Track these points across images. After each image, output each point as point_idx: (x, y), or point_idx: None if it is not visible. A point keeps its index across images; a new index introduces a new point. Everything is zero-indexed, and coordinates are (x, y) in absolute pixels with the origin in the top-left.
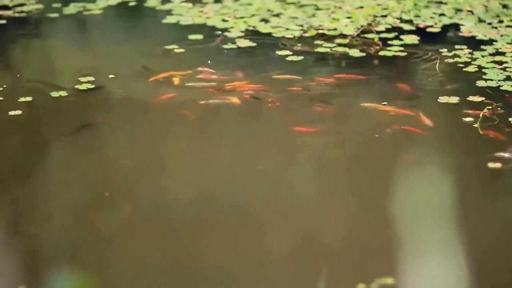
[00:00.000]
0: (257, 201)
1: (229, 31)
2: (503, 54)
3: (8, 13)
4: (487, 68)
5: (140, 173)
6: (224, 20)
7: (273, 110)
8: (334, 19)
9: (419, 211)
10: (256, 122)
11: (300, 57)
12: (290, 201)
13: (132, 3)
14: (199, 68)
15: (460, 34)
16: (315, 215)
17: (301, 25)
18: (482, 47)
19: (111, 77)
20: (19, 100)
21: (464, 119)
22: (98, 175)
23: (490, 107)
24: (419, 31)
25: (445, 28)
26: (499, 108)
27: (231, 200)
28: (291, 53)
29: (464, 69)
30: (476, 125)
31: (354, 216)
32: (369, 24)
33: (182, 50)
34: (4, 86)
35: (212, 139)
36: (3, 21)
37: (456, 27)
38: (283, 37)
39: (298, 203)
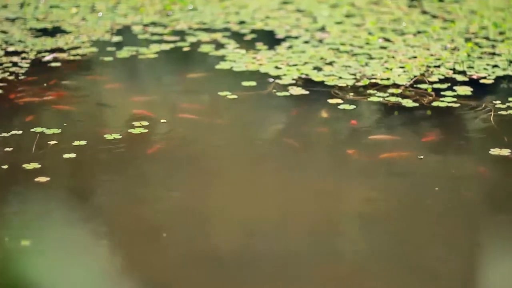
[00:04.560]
0: None
1: (282, 79)
2: None
3: (63, 55)
4: None
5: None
6: (277, 67)
7: None
8: (387, 68)
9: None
10: None
11: (352, 106)
12: None
13: (185, 48)
14: None
15: None
16: None
17: (354, 74)
18: None
19: (163, 122)
20: (73, 144)
21: None
22: None
23: None
24: (472, 82)
25: (499, 79)
26: None
27: None
28: (342, 101)
29: None
30: None
31: None
32: (422, 75)
33: (235, 96)
34: (60, 129)
35: None
36: (58, 64)
37: (509, 78)
38: (336, 85)
39: None
